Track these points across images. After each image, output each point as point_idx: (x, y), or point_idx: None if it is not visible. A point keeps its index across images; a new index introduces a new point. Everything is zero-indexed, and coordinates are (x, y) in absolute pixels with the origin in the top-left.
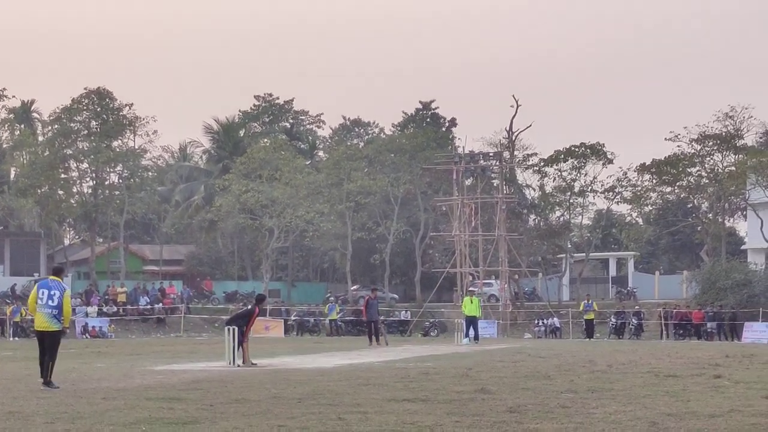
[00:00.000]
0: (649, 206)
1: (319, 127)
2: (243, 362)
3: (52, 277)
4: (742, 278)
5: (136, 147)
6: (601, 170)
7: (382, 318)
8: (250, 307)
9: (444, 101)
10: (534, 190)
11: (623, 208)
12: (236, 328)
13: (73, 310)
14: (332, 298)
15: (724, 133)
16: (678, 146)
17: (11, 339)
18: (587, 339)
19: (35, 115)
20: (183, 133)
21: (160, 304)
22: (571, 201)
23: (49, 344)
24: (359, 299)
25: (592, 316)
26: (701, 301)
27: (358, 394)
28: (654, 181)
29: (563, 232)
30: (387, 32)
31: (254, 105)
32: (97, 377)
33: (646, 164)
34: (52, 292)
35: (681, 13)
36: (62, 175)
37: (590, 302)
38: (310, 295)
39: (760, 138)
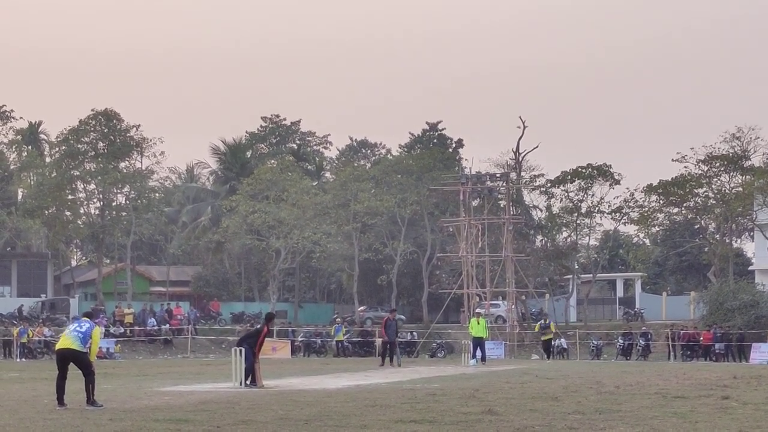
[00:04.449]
0: (656, 227)
1: (326, 148)
2: (255, 384)
3: (83, 318)
4: (750, 299)
5: (144, 168)
6: (608, 191)
7: None
8: (259, 326)
9: (451, 122)
10: (541, 210)
11: (630, 229)
12: (243, 349)
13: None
14: (339, 319)
15: (731, 154)
16: (685, 167)
17: (18, 360)
18: (547, 359)
19: (42, 136)
20: (190, 154)
21: (167, 325)
22: (578, 222)
23: (80, 367)
24: (366, 320)
25: (549, 336)
26: (709, 322)
27: (365, 415)
28: (661, 201)
29: (570, 253)
30: (393, 53)
31: (261, 126)
32: (104, 398)
33: (653, 185)
34: (81, 324)
35: (688, 34)
36: (69, 196)
37: (547, 322)
38: (317, 316)
39: (767, 159)
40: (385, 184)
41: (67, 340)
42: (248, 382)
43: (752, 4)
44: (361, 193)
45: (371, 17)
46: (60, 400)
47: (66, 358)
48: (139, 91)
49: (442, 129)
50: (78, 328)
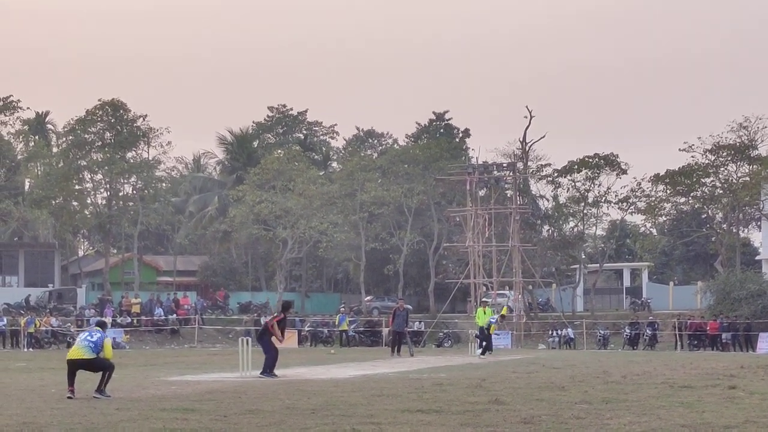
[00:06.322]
0: (663, 217)
1: (332, 137)
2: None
3: (95, 328)
4: (757, 289)
5: (150, 158)
6: (615, 181)
7: None
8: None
9: (457, 112)
10: (548, 200)
11: (637, 219)
12: (249, 339)
13: (87, 321)
14: (343, 309)
15: (738, 144)
16: (692, 157)
17: (25, 350)
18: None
19: (49, 126)
20: (197, 144)
21: (174, 315)
22: (585, 211)
23: (95, 370)
24: (373, 310)
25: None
26: (716, 311)
27: (372, 405)
28: (668, 191)
29: (577, 242)
30: (400, 43)
31: (268, 116)
32: (111, 388)
33: (660, 175)
34: (92, 334)
35: (695, 23)
36: (76, 187)
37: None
38: (324, 305)
39: None
40: (392, 174)
41: (79, 350)
42: (266, 373)
43: None
44: (368, 183)
45: (378, 7)
46: (70, 383)
47: (77, 366)
48: (145, 81)
49: (449, 119)
50: (89, 338)
